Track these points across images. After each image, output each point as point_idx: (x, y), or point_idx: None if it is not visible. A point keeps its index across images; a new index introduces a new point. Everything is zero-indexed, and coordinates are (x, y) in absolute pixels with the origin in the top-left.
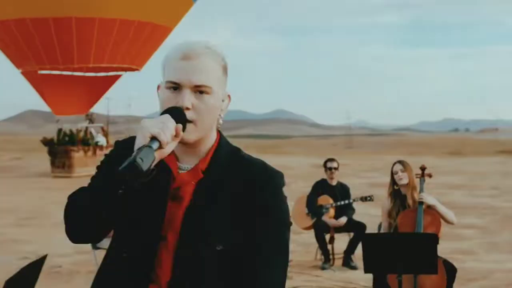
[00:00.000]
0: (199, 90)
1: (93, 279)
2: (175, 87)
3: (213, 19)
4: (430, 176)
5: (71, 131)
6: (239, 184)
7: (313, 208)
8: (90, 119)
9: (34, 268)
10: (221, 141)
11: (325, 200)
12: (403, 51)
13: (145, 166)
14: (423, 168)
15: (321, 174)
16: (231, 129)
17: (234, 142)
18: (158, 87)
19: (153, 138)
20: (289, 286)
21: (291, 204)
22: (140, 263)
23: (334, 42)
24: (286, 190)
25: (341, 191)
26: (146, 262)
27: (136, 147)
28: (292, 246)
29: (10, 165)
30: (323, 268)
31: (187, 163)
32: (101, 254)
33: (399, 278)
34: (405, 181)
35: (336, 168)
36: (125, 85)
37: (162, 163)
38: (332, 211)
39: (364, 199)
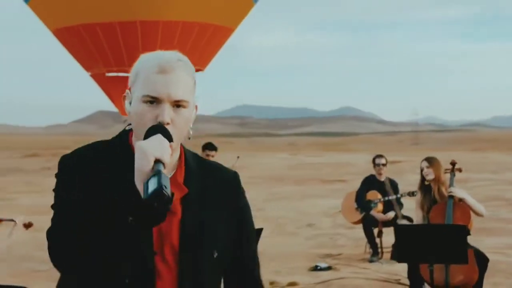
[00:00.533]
0: (177, 104)
1: None
2: (153, 100)
3: (276, 17)
4: (460, 170)
5: None
6: (216, 191)
7: (362, 203)
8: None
9: None
10: (185, 149)
11: (373, 195)
12: (471, 44)
13: (169, 192)
14: (453, 163)
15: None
16: (296, 127)
17: (300, 140)
18: (124, 97)
19: (157, 161)
20: (335, 277)
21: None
22: (144, 285)
23: (400, 37)
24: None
25: (389, 186)
26: (147, 282)
27: (139, 171)
28: (343, 241)
29: None
30: (371, 261)
31: None
32: None
33: (431, 268)
34: (431, 176)
35: (384, 164)
36: None
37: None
38: (380, 206)
39: (411, 194)
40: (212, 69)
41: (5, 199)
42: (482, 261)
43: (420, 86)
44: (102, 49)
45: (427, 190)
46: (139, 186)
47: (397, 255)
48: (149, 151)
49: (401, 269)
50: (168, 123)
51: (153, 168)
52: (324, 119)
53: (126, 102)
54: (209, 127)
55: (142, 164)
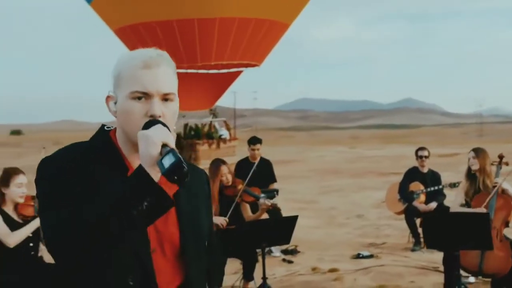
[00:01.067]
0: (165, 98)
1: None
2: (141, 96)
3: (337, 9)
4: (506, 164)
5: (196, 125)
6: (193, 187)
7: (405, 194)
8: (214, 113)
9: None
10: None
11: (416, 186)
12: None
13: (186, 166)
14: (501, 157)
15: (440, 163)
16: (358, 120)
17: (362, 133)
18: (108, 98)
19: (164, 146)
20: (376, 265)
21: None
22: (146, 284)
23: (463, 27)
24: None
25: (431, 178)
26: (149, 279)
27: (145, 156)
28: (389, 231)
29: None
30: (413, 250)
31: None
32: None
33: (456, 253)
34: (476, 167)
35: (426, 157)
36: (249, 80)
37: (121, 170)
38: (422, 197)
39: (452, 185)
40: (273, 62)
41: None
42: None
43: (484, 77)
44: (160, 46)
45: (473, 179)
46: (149, 169)
47: (426, 242)
48: (155, 137)
49: (441, 257)
50: (159, 116)
51: (161, 152)
52: (386, 112)
53: (111, 103)
54: (269, 120)
55: (149, 149)
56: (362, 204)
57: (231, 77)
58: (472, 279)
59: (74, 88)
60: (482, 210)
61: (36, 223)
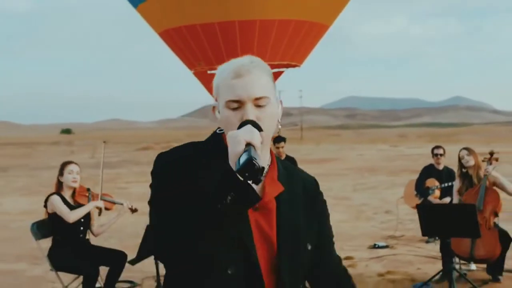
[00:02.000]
0: (258, 103)
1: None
2: (236, 106)
3: (387, 5)
4: (496, 160)
5: None
6: (298, 188)
7: (421, 189)
8: None
9: None
10: (271, 150)
11: (431, 182)
12: None
13: (260, 163)
14: (491, 153)
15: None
16: (408, 118)
17: (410, 131)
18: (213, 109)
19: (248, 145)
20: (390, 254)
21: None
22: (250, 277)
23: None
24: None
25: (446, 175)
26: (257, 274)
27: (232, 154)
28: (412, 225)
29: None
30: (427, 242)
31: None
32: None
33: (448, 241)
34: (471, 163)
35: (442, 155)
36: (296, 79)
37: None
38: (437, 192)
39: None
40: (321, 60)
41: (120, 187)
42: (505, 240)
43: None
44: (204, 48)
45: (466, 177)
46: (234, 168)
47: (421, 230)
48: (240, 136)
49: None
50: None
51: (244, 150)
52: (435, 110)
53: (216, 112)
54: (316, 119)
55: (235, 147)
56: (391, 201)
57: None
58: (473, 266)
59: (121, 88)
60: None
61: (87, 209)
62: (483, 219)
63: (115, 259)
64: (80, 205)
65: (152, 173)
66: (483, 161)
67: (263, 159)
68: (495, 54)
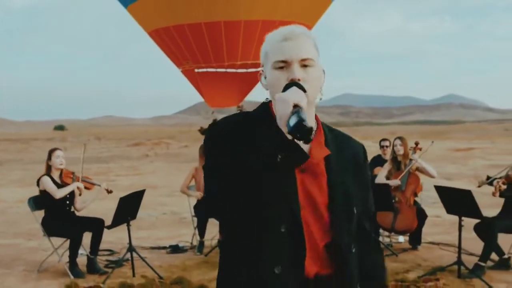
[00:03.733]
0: (304, 63)
1: (232, 245)
2: (283, 65)
3: (382, 4)
4: (420, 149)
5: None
6: (347, 154)
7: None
8: (241, 110)
9: (138, 196)
10: (317, 115)
11: (378, 170)
12: None
13: (308, 124)
14: (416, 143)
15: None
16: (401, 116)
17: (403, 129)
18: (260, 75)
19: (295, 106)
20: None
21: None
22: (295, 233)
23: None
24: None
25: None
26: (299, 231)
27: (281, 115)
28: None
29: (178, 152)
30: None
31: None
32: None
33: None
34: (401, 152)
35: (387, 146)
36: None
37: (281, 137)
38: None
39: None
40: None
41: (110, 180)
42: (421, 216)
43: None
44: (191, 47)
45: (395, 162)
46: (284, 129)
47: None
48: (288, 98)
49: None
50: (299, 79)
51: (292, 111)
52: (428, 107)
53: (262, 78)
54: None
55: (283, 109)
56: None
57: (258, 76)
58: (401, 239)
59: (115, 84)
60: (397, 181)
61: (71, 188)
62: (404, 197)
63: (95, 225)
64: (66, 185)
65: (204, 141)
66: (409, 149)
67: (309, 120)
68: (490, 52)
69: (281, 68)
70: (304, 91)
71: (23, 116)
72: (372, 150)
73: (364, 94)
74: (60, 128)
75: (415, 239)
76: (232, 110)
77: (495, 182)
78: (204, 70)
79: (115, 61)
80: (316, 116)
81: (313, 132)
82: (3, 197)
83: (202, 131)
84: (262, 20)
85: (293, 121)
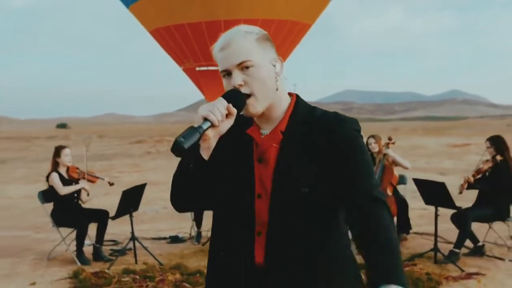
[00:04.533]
0: (243, 66)
1: (211, 234)
2: (225, 74)
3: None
4: (393, 143)
5: None
6: (315, 135)
7: None
8: None
9: (140, 189)
10: (298, 103)
11: None
12: None
13: (186, 144)
14: (390, 139)
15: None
16: (403, 112)
17: (405, 125)
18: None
19: (205, 119)
20: None
21: None
22: (245, 219)
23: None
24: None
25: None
26: (249, 218)
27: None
28: None
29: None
30: None
31: (266, 129)
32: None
33: None
34: (376, 149)
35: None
36: (291, 72)
37: (245, 134)
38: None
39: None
40: (316, 54)
41: (113, 176)
42: (402, 204)
43: None
44: (192, 46)
45: (372, 158)
46: None
47: None
48: (198, 112)
49: None
50: (240, 85)
51: (195, 126)
52: (431, 103)
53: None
54: None
55: (195, 121)
56: None
57: None
58: None
59: (116, 82)
60: None
61: (76, 187)
62: (382, 189)
63: (100, 216)
64: (73, 179)
65: None
66: (383, 146)
67: (275, 117)
68: (492, 48)
69: (226, 75)
70: (241, 96)
71: (25, 115)
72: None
73: (366, 91)
74: (62, 126)
75: (402, 227)
76: None
77: (464, 176)
78: (205, 68)
79: (116, 59)
80: (292, 101)
81: (183, 150)
82: (9, 193)
83: None
84: (262, 19)
85: (182, 133)
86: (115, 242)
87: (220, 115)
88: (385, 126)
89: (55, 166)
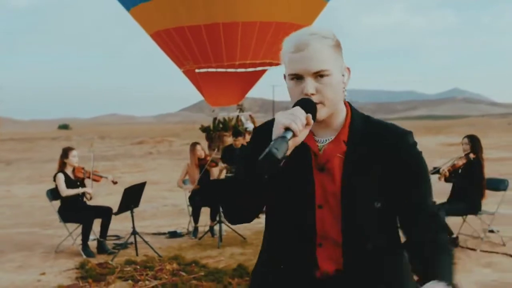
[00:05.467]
0: (318, 75)
1: (263, 245)
2: (296, 77)
3: None
4: None
5: (224, 119)
6: (378, 148)
7: None
8: (241, 108)
9: (140, 187)
10: (353, 111)
11: None
12: None
13: (279, 155)
14: None
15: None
16: (405, 111)
17: (406, 124)
18: (284, 76)
19: (287, 129)
20: None
21: None
22: (305, 230)
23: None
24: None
25: None
26: (310, 228)
27: (273, 138)
28: None
29: (180, 149)
30: None
31: (324, 137)
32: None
33: None
34: None
35: None
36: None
37: (301, 143)
38: None
39: None
40: None
41: (115, 177)
42: None
43: None
44: (191, 48)
45: None
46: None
47: None
48: (279, 121)
49: None
50: (313, 94)
51: (279, 135)
52: (432, 102)
53: (286, 81)
54: None
55: (275, 131)
56: None
57: (257, 75)
58: None
59: (118, 83)
60: None
61: (77, 191)
62: None
63: (104, 212)
64: (78, 179)
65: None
66: None
67: (336, 126)
68: (494, 46)
69: (297, 78)
70: (314, 105)
71: (28, 115)
72: None
73: (367, 89)
74: (64, 127)
75: None
76: (233, 108)
77: (441, 170)
78: (205, 70)
79: (118, 59)
80: (348, 109)
81: (280, 162)
82: (16, 193)
83: (203, 128)
84: (260, 22)
85: (267, 149)
86: (118, 237)
87: (301, 124)
88: None
89: (62, 167)
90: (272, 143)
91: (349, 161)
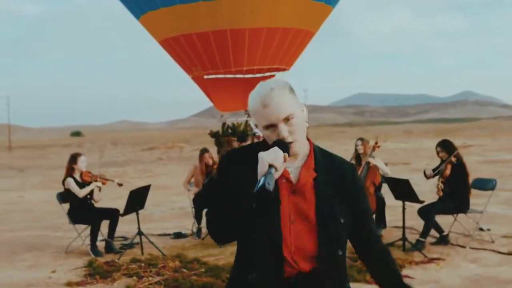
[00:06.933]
0: (287, 119)
1: (237, 260)
2: (271, 125)
3: (390, 3)
4: (378, 147)
5: (233, 124)
6: (336, 174)
7: None
8: (249, 113)
9: (145, 189)
10: (313, 143)
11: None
12: None
13: (271, 187)
14: (376, 143)
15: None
16: (416, 114)
17: (417, 127)
18: (256, 125)
19: (270, 166)
20: None
21: None
22: (276, 244)
23: None
24: None
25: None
26: (278, 243)
27: (259, 172)
28: None
29: (190, 155)
30: None
31: (293, 164)
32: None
33: None
34: (362, 151)
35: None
36: (303, 77)
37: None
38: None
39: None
40: (329, 58)
41: (125, 182)
42: (380, 202)
43: None
44: (199, 55)
45: (358, 158)
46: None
47: None
48: (264, 158)
49: None
50: (287, 136)
51: (266, 172)
52: (444, 105)
53: (259, 127)
54: (324, 116)
55: (260, 168)
56: None
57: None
58: None
59: (129, 89)
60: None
61: (91, 187)
62: (365, 188)
63: (112, 213)
64: (85, 183)
65: (219, 163)
66: (369, 148)
67: (302, 155)
68: (504, 47)
69: (270, 127)
70: (288, 145)
71: (38, 123)
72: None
73: (379, 93)
74: (76, 134)
75: (379, 222)
76: (241, 113)
77: (436, 185)
78: (213, 76)
79: (128, 65)
80: (310, 142)
81: (272, 193)
82: (28, 198)
83: (212, 134)
84: (267, 28)
85: (260, 183)
86: (125, 238)
87: (281, 161)
88: (398, 128)
89: (70, 172)
90: (263, 178)
91: (320, 184)
